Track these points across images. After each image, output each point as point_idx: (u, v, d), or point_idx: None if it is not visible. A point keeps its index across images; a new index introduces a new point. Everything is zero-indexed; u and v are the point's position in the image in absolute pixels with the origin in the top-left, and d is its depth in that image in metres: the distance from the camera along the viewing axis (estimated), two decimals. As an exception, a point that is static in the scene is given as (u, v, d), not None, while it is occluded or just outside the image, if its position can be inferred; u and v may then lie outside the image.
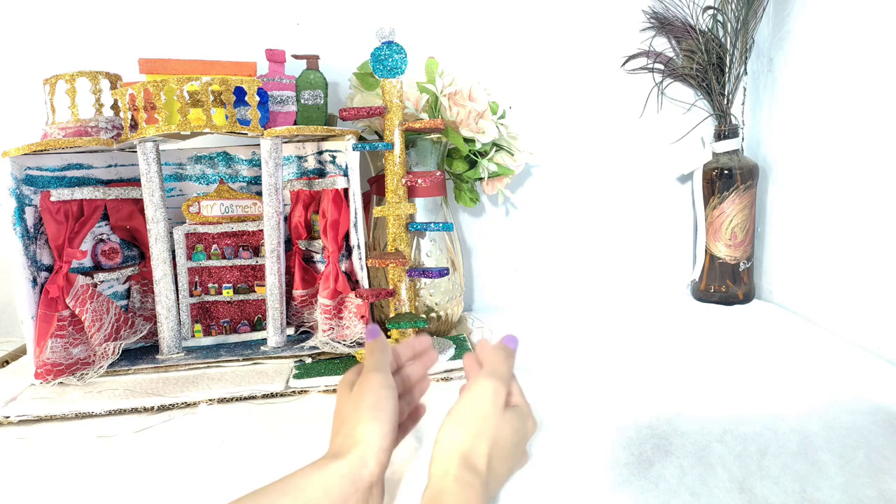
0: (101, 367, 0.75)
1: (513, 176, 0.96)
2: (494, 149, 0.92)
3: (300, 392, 0.70)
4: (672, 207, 1.09)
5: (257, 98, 0.77)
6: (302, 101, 0.82)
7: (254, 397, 0.69)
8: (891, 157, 0.74)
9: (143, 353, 0.81)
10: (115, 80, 0.81)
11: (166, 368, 0.77)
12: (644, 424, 0.60)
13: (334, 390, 0.71)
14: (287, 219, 0.87)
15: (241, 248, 0.87)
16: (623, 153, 1.06)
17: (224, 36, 0.95)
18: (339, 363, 0.77)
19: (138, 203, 0.82)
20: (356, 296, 0.79)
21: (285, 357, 0.79)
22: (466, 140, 0.88)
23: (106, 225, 0.83)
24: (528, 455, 0.49)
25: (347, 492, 0.40)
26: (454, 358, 0.77)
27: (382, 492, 0.43)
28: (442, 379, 0.73)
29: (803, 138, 0.91)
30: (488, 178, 0.94)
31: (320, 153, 0.87)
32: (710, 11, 0.99)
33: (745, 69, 1.02)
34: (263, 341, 0.84)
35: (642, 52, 1.03)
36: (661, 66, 1.03)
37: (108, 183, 0.83)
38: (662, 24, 1.01)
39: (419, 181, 0.79)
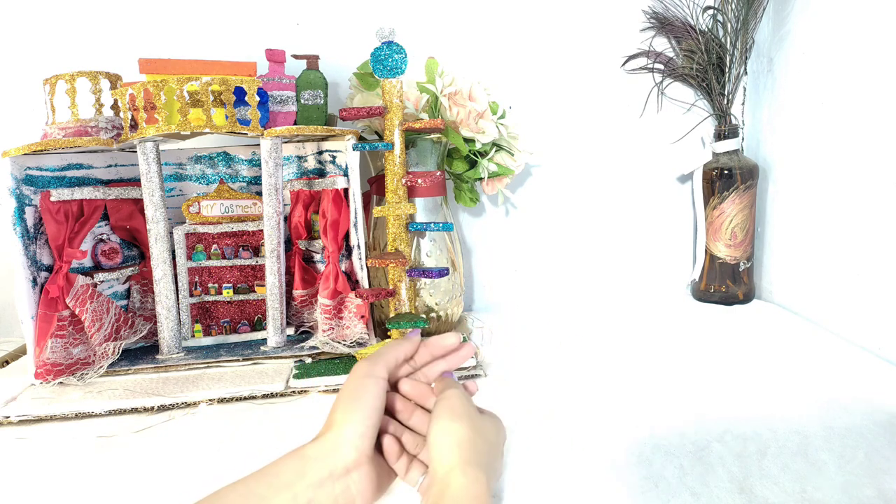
0: (101, 367, 0.75)
1: (513, 176, 0.96)
2: (494, 149, 0.92)
3: (300, 392, 0.70)
4: (672, 207, 1.09)
5: (257, 98, 0.77)
6: (302, 101, 0.82)
7: (254, 397, 0.69)
8: (891, 157, 0.74)
9: (143, 353, 0.81)
10: (115, 80, 0.81)
11: (166, 368, 0.77)
12: (644, 424, 0.60)
13: (334, 390, 0.71)
14: (287, 219, 0.87)
15: (241, 248, 0.87)
16: (623, 153, 1.06)
17: (224, 36, 0.95)
18: (339, 363, 0.77)
19: (138, 203, 0.82)
20: (356, 296, 0.79)
21: (285, 357, 0.79)
22: (466, 140, 0.88)
23: (106, 225, 0.83)
24: (503, 467, 0.49)
25: (321, 475, 0.39)
26: (454, 358, 0.77)
27: (370, 481, 0.42)
28: (442, 379, 0.73)
29: (803, 138, 0.91)
30: (488, 178, 0.94)
31: (320, 153, 0.87)
32: (710, 11, 0.99)
33: (745, 69, 1.02)
34: (263, 341, 0.84)
35: (642, 52, 1.03)
36: (661, 66, 1.03)
37: (108, 183, 0.83)
38: (662, 24, 1.01)
39: (419, 181, 0.79)
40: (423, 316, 0.85)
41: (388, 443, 0.45)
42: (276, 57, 0.80)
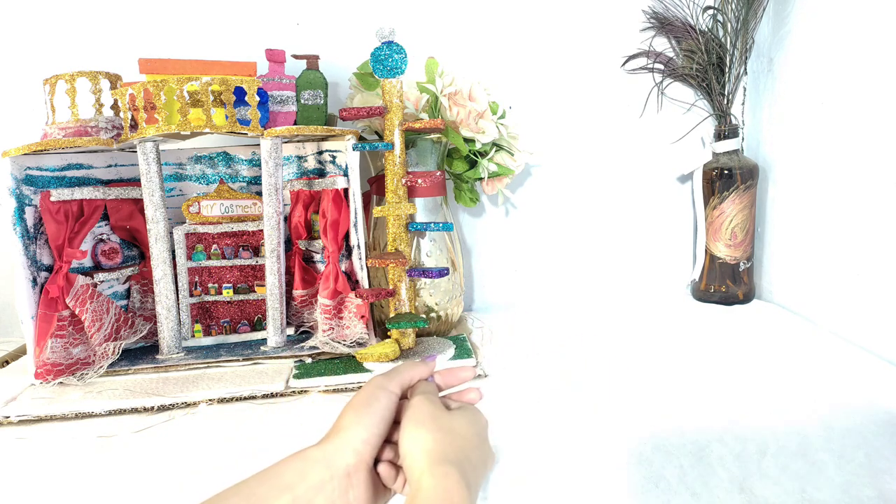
0: (101, 367, 0.75)
1: (513, 176, 0.96)
2: (494, 149, 0.92)
3: (300, 392, 0.70)
4: (672, 207, 1.09)
5: (257, 98, 0.77)
6: (302, 101, 0.82)
7: (254, 397, 0.69)
8: (891, 157, 0.74)
9: (143, 353, 0.81)
10: (115, 80, 0.81)
11: (166, 368, 0.77)
12: (644, 424, 0.60)
13: (334, 390, 0.71)
14: (287, 219, 0.87)
15: (241, 248, 0.87)
16: (623, 153, 1.06)
17: (224, 36, 0.95)
18: (339, 363, 0.77)
19: (138, 203, 0.82)
20: (356, 296, 0.79)
21: (285, 357, 0.79)
22: (466, 140, 0.88)
23: (106, 225, 0.83)
24: (495, 453, 0.49)
25: (322, 477, 0.40)
26: (454, 358, 0.77)
27: (368, 489, 0.42)
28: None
29: (803, 138, 0.91)
30: (488, 178, 0.94)
31: (320, 153, 0.87)
32: (710, 11, 0.99)
33: (745, 69, 1.02)
34: (263, 341, 0.84)
35: (642, 52, 1.03)
36: (661, 66, 1.03)
37: (108, 183, 0.83)
38: (662, 24, 1.01)
39: (419, 181, 0.79)
40: (423, 316, 0.85)
41: (384, 467, 0.45)
42: (276, 57, 0.80)
